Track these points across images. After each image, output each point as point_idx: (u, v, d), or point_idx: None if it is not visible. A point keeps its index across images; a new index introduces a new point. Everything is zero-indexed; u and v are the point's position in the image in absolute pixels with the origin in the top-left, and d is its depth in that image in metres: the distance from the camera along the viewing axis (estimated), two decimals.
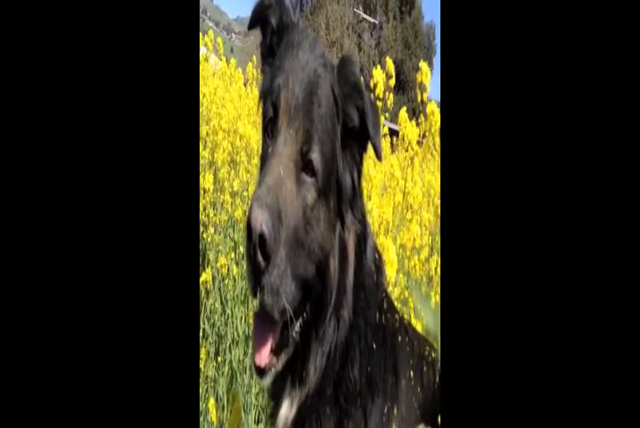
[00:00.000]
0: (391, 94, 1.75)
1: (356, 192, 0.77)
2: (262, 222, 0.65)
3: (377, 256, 0.81)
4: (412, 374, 0.76)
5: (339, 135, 0.75)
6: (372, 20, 19.88)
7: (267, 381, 0.75)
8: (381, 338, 0.77)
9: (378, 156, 0.75)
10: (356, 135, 0.76)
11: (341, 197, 0.75)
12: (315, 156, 0.72)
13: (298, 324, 0.74)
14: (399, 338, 0.78)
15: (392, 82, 1.66)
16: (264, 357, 0.72)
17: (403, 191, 1.33)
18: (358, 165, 0.78)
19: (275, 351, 0.73)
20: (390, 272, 0.98)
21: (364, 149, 0.78)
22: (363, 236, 0.78)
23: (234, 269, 1.82)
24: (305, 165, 0.72)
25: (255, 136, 2.40)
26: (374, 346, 0.76)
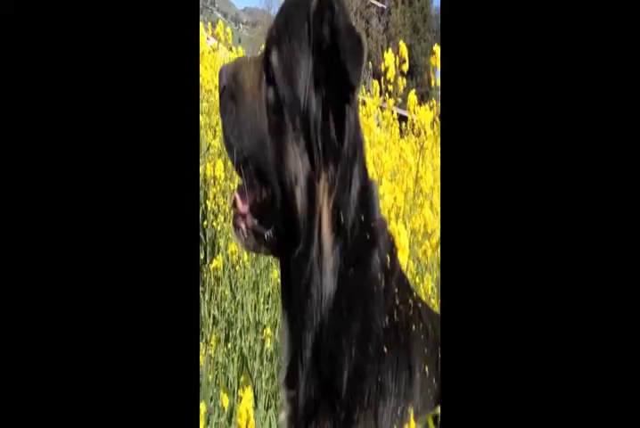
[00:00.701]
0: (404, 79, 1.74)
1: (333, 137, 0.72)
2: (223, 75, 0.78)
3: (390, 258, 0.77)
4: (427, 367, 0.74)
5: (307, 53, 0.72)
6: (380, 4, 19.59)
7: (236, 242, 0.81)
8: (392, 338, 0.74)
9: (347, 100, 0.71)
10: (332, 75, 0.71)
11: (308, 130, 0.71)
12: (274, 60, 0.73)
13: (270, 230, 0.75)
14: (413, 327, 0.76)
15: (405, 67, 1.65)
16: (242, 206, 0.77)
17: (415, 176, 1.32)
18: (341, 108, 0.72)
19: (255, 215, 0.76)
20: (403, 258, 0.98)
21: (346, 88, 0.71)
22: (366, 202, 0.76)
23: (245, 256, 1.83)
24: (266, 65, 0.74)
25: None
26: (385, 349, 0.73)
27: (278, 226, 0.75)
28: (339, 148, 0.73)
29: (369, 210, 0.77)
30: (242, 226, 0.77)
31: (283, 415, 0.77)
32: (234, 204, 0.77)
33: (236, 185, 0.81)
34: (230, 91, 0.76)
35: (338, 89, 0.72)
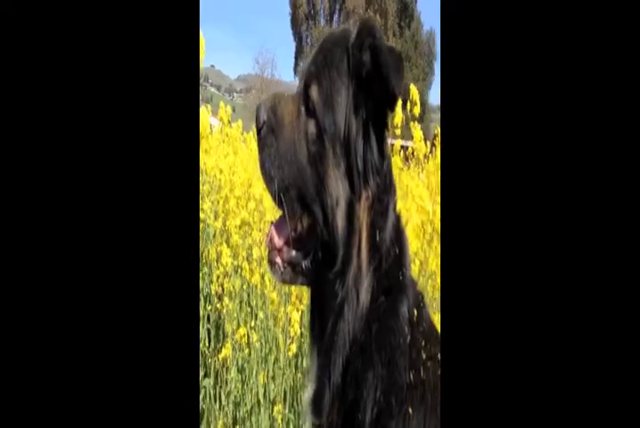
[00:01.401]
0: (416, 123, 1.75)
1: (373, 162, 0.77)
2: (262, 110, 0.80)
3: (417, 312, 0.78)
4: None
5: (347, 82, 0.77)
6: None
7: (275, 277, 0.81)
8: (418, 397, 0.74)
9: (392, 106, 0.77)
10: (373, 94, 0.76)
11: (349, 156, 0.77)
12: (314, 93, 0.77)
13: (311, 256, 0.79)
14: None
15: (417, 110, 1.66)
16: (277, 241, 0.80)
17: (431, 223, 1.32)
18: (379, 135, 0.78)
19: (292, 247, 0.79)
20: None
21: (384, 112, 0.78)
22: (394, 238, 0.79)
23: (254, 336, 1.80)
24: (306, 99, 0.78)
25: (268, 198, 2.42)
26: (410, 409, 0.73)
27: (317, 253, 0.79)
28: (379, 164, 0.78)
29: (402, 252, 0.80)
30: (278, 260, 0.81)
31: None
32: (271, 240, 0.81)
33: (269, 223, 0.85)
34: (270, 125, 0.81)
35: (378, 104, 0.78)
